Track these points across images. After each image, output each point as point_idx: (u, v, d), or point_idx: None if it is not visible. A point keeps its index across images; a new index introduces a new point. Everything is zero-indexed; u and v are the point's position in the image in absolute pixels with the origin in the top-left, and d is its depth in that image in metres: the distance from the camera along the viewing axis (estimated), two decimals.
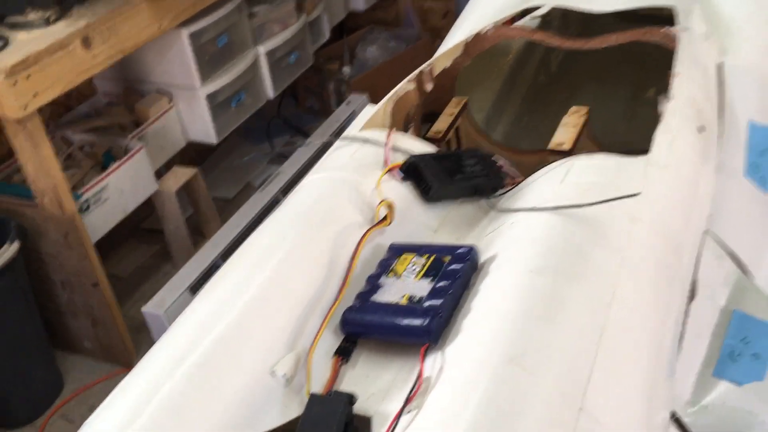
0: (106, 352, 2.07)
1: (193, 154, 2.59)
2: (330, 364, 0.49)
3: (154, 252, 2.49)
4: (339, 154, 0.64)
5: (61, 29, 1.72)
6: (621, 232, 0.50)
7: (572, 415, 0.39)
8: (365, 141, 0.64)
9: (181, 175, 2.34)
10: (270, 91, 2.59)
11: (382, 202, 0.56)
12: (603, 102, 0.86)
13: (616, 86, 1.07)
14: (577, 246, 0.49)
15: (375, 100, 2.93)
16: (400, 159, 0.62)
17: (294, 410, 0.46)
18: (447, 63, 0.84)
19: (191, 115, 2.34)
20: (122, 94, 2.35)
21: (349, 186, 0.59)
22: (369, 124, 0.73)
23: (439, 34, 3.35)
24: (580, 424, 0.39)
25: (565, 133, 0.76)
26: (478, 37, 0.83)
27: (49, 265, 1.92)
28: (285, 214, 0.59)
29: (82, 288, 1.95)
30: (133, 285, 2.36)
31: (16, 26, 1.70)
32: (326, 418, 0.43)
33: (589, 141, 0.81)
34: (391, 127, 0.72)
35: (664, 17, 0.87)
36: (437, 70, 0.83)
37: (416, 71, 0.83)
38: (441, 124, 0.80)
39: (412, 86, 0.81)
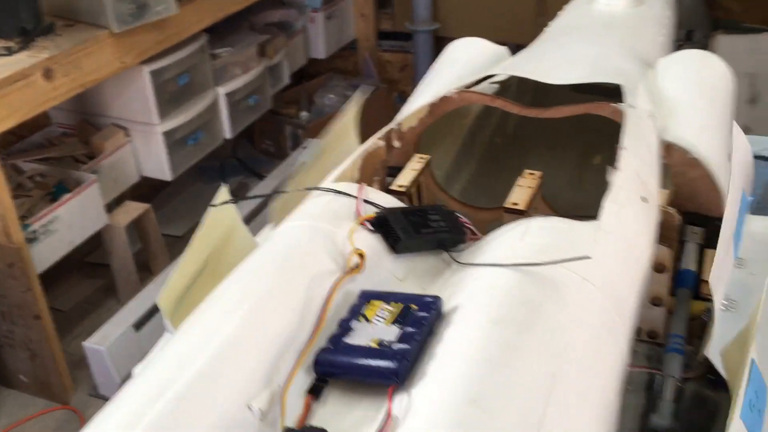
0: (43, 388, 2.02)
1: (146, 189, 2.58)
2: (302, 401, 0.52)
3: (99, 287, 2.45)
4: (313, 204, 0.68)
5: (23, 59, 1.72)
6: (573, 291, 0.55)
7: None
8: (338, 193, 0.68)
9: (132, 210, 2.32)
10: (227, 132, 2.61)
11: (354, 250, 0.60)
12: (552, 167, 0.92)
13: (564, 152, 1.14)
14: (533, 301, 0.54)
15: None
16: (370, 211, 0.66)
17: None
18: (413, 122, 0.90)
19: (147, 150, 2.34)
20: (77, 126, 2.35)
21: (323, 234, 0.62)
22: (341, 177, 0.77)
23: (396, 86, 3.45)
24: None
25: (520, 194, 0.82)
26: (443, 100, 0.89)
27: None
28: (262, 258, 0.62)
29: (22, 320, 1.91)
30: (75, 319, 2.32)
31: None
32: None
33: (542, 202, 0.87)
34: (359, 181, 0.76)
35: (611, 90, 0.94)
36: (405, 129, 0.89)
37: (385, 129, 0.89)
38: (404, 178, 0.85)
39: (381, 143, 0.86)
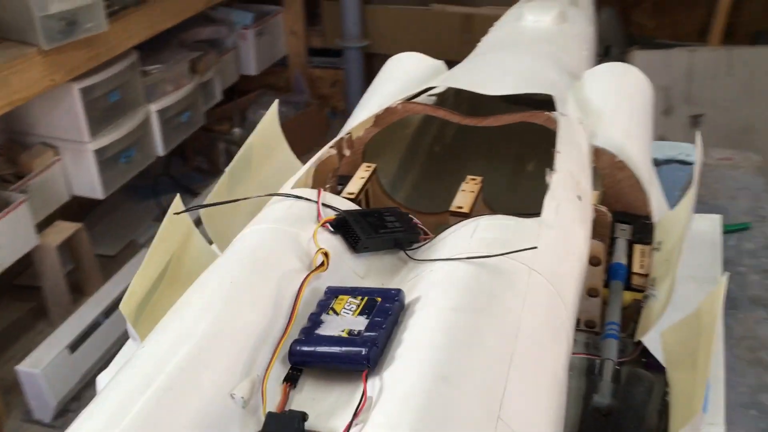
0: None
1: (77, 208, 2.53)
2: (280, 389, 0.55)
3: (29, 309, 2.39)
4: (275, 209, 0.71)
5: None
6: (522, 279, 0.61)
7: (492, 423, 0.48)
8: (298, 198, 0.71)
9: (63, 230, 2.28)
10: (160, 149, 2.60)
11: (319, 250, 0.64)
12: (489, 173, 0.97)
13: (500, 160, 1.20)
14: (487, 289, 0.59)
15: None
16: (329, 214, 0.70)
17: (252, 428, 0.52)
18: (360, 132, 0.94)
19: (78, 169, 2.31)
20: (4, 145, 2.29)
21: (288, 236, 0.66)
22: (297, 184, 0.81)
23: (327, 102, 3.50)
24: (499, 429, 0.48)
25: (463, 198, 0.87)
26: (388, 111, 0.94)
27: None
28: (231, 259, 0.65)
29: None
30: (5, 343, 2.25)
31: None
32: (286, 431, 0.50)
33: (483, 205, 0.93)
34: (315, 187, 0.80)
35: (539, 101, 1.01)
36: (354, 138, 0.93)
37: (336, 138, 0.93)
38: (353, 186, 0.89)
39: (333, 151, 0.89)
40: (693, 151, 1.38)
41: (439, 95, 1.12)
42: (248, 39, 3.18)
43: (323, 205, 0.70)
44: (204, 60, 2.81)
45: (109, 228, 2.76)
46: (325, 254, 0.63)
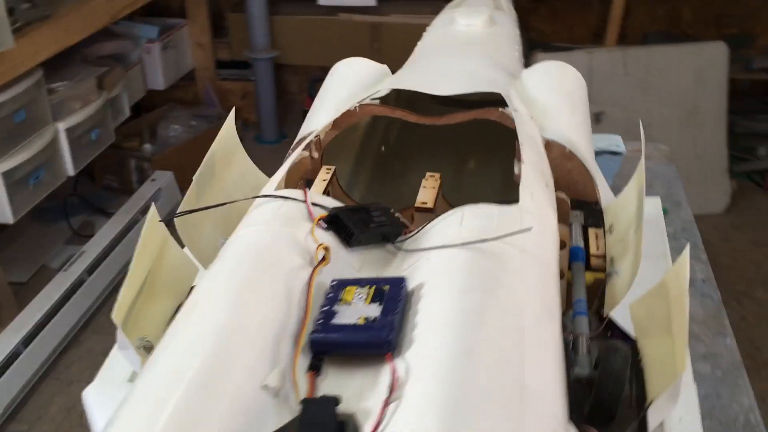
0: None
1: None
2: (306, 378, 0.57)
3: None
4: (264, 210, 0.72)
5: None
6: (516, 260, 0.65)
7: (517, 390, 0.52)
8: (286, 198, 0.73)
9: None
10: (70, 169, 2.51)
11: (320, 245, 0.66)
12: (433, 172, 1.01)
13: (442, 160, 1.24)
14: (488, 271, 0.62)
15: (180, 177, 2.94)
16: (318, 212, 0.72)
17: (286, 416, 0.53)
18: (322, 135, 0.96)
19: None
20: None
21: (284, 235, 0.67)
22: (276, 187, 0.82)
23: (239, 115, 3.47)
24: (523, 396, 0.52)
25: (426, 194, 0.91)
26: (347, 113, 0.96)
27: None
28: (234, 259, 0.65)
29: None
30: None
31: None
32: (322, 416, 0.51)
33: (443, 200, 0.97)
34: (287, 188, 0.82)
35: (475, 102, 1.06)
36: (322, 141, 0.95)
37: (306, 141, 0.94)
38: (317, 188, 0.91)
39: (306, 154, 0.91)
40: (621, 142, 1.48)
41: (381, 98, 1.15)
42: (154, 53, 3.12)
43: (312, 204, 0.72)
44: (111, 75, 2.74)
45: (20, 253, 2.63)
46: (326, 249, 0.66)
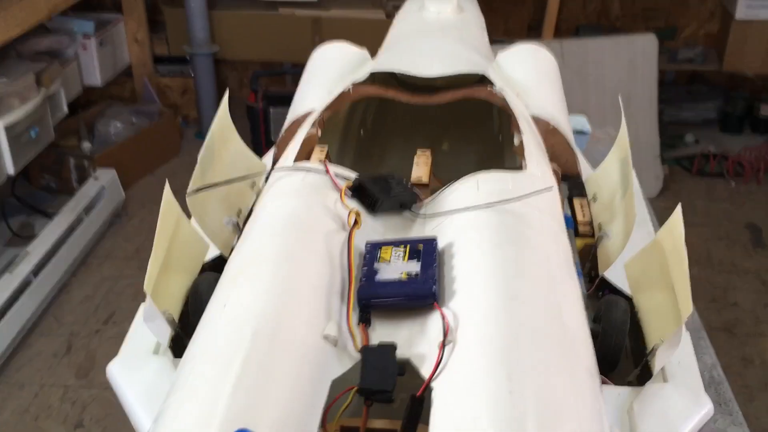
0: None
1: None
2: (359, 329, 0.60)
3: None
4: (290, 182, 0.75)
5: None
6: (535, 219, 0.69)
7: (561, 328, 0.57)
8: (308, 170, 0.76)
9: None
10: (10, 168, 2.43)
11: (351, 210, 0.69)
12: (410, 155, 1.05)
13: (417, 142, 1.29)
14: (514, 228, 0.67)
15: (123, 174, 2.88)
16: (340, 183, 0.75)
17: (347, 362, 0.56)
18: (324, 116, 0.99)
19: None
20: None
21: (316, 202, 0.70)
22: (294, 160, 0.85)
23: (179, 111, 3.43)
24: (566, 334, 0.57)
25: (420, 170, 0.95)
26: (342, 95, 0.99)
27: None
28: (271, 229, 0.68)
29: None
30: None
31: None
32: (383, 361, 0.54)
33: (433, 176, 1.01)
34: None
35: (442, 86, 1.11)
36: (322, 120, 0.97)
37: (312, 119, 0.96)
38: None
39: (314, 131, 0.93)
40: (587, 123, 1.55)
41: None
42: (90, 49, 3.05)
43: (335, 174, 0.75)
44: (49, 72, 2.67)
45: None
46: (357, 213, 0.69)
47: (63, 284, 2.50)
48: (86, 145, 2.99)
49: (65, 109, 2.81)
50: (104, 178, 2.77)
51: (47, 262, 2.41)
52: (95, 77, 3.09)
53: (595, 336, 0.77)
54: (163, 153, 3.17)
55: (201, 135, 3.37)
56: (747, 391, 2.08)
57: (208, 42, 3.22)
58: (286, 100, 3.81)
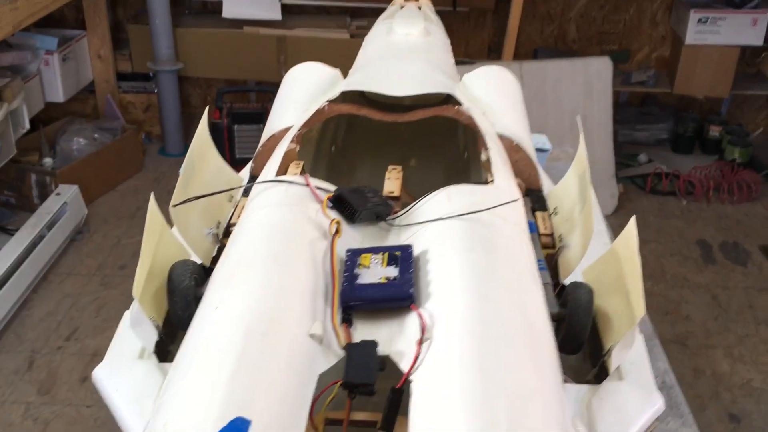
0: None
1: None
2: (342, 329, 0.64)
3: None
4: (273, 193, 0.79)
5: None
6: (503, 227, 0.75)
7: (528, 326, 0.62)
8: (290, 183, 0.80)
9: None
10: None
11: (333, 220, 0.73)
12: (379, 171, 1.10)
13: (385, 159, 1.34)
14: (484, 235, 0.72)
15: (87, 190, 2.87)
16: (321, 194, 0.80)
17: (332, 359, 0.61)
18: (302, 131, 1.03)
19: None
20: None
21: (298, 212, 0.74)
22: (276, 174, 0.89)
23: (142, 127, 3.43)
24: (532, 331, 0.62)
25: (392, 184, 0.99)
26: (318, 112, 1.04)
27: None
28: (258, 235, 0.72)
29: None
30: None
31: None
32: (365, 357, 0.58)
33: (404, 190, 1.06)
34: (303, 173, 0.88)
35: (410, 106, 1.16)
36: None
37: (291, 134, 1.00)
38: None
39: (294, 146, 0.98)
40: (547, 141, 1.62)
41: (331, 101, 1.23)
42: (53, 64, 3.04)
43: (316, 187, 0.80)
44: (11, 87, 2.66)
45: None
46: (338, 223, 0.73)
47: (24, 301, 2.47)
48: (48, 161, 2.98)
49: (27, 124, 2.80)
50: (66, 194, 2.76)
51: (8, 278, 2.39)
52: (58, 93, 3.08)
53: (562, 319, 0.80)
54: (126, 169, 3.17)
55: (164, 151, 3.38)
56: (699, 401, 2.16)
57: (172, 59, 3.24)
58: (251, 117, 3.84)
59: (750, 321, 2.52)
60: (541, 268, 0.89)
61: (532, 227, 1.00)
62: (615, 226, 1.60)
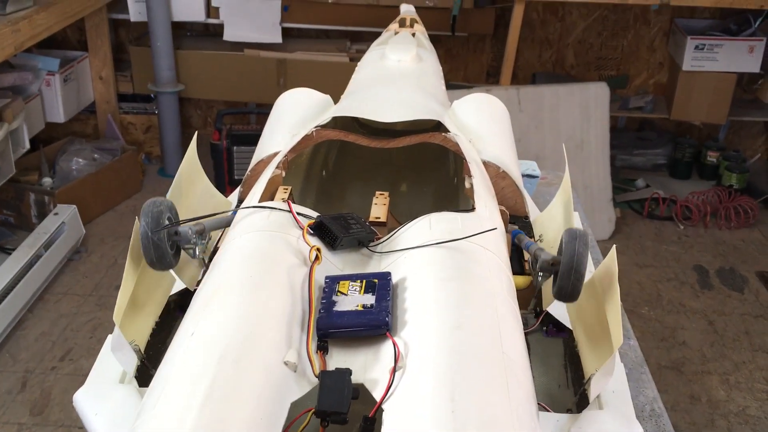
0: None
1: None
2: (317, 356, 0.64)
3: None
4: (255, 219, 0.79)
5: None
6: (481, 256, 0.75)
7: (500, 355, 0.62)
8: (272, 209, 0.80)
9: None
10: None
11: (313, 247, 0.74)
12: (369, 196, 1.11)
13: (375, 184, 1.35)
14: (462, 264, 0.72)
15: (85, 210, 2.88)
16: (303, 220, 0.80)
17: (305, 387, 0.61)
18: (289, 157, 1.04)
19: None
20: None
21: (278, 238, 0.75)
22: (259, 200, 0.89)
23: (142, 148, 3.45)
24: (506, 361, 0.62)
25: (378, 210, 1.00)
26: (306, 137, 1.05)
27: None
28: (237, 261, 0.72)
29: None
30: None
31: None
32: (338, 385, 0.58)
33: (390, 215, 1.06)
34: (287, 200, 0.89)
35: (400, 131, 1.17)
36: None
37: (277, 160, 1.01)
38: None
39: (279, 171, 0.98)
40: (536, 167, 1.63)
41: (322, 126, 1.24)
42: (54, 85, 3.07)
43: (297, 213, 0.80)
44: (11, 107, 2.68)
45: None
46: (318, 250, 0.74)
47: (19, 321, 2.47)
48: (47, 181, 3.00)
49: (27, 144, 2.82)
50: (64, 214, 2.77)
51: (4, 298, 2.40)
52: (58, 113, 3.10)
53: (557, 266, 0.79)
54: (125, 189, 3.18)
55: (164, 172, 3.39)
56: (695, 428, 2.15)
57: (173, 81, 3.27)
58: (251, 139, 3.86)
59: (746, 348, 2.51)
60: (530, 244, 0.88)
61: (519, 231, 1.00)
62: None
